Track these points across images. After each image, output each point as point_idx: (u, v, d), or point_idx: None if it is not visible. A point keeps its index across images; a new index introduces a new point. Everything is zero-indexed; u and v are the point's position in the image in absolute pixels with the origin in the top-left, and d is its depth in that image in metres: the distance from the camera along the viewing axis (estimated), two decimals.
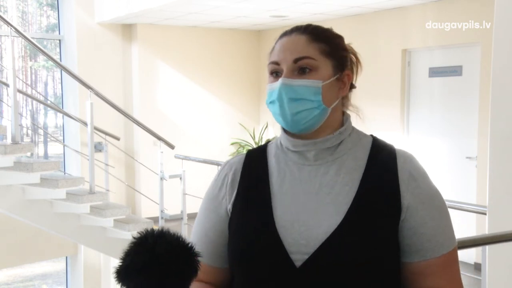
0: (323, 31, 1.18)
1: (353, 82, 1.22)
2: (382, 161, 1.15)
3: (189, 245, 1.00)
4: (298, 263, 1.07)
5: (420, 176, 1.14)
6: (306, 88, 1.12)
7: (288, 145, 1.18)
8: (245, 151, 1.26)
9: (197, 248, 1.21)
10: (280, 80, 1.12)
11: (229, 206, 1.19)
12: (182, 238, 1.00)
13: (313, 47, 1.14)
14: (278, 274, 1.09)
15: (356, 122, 1.23)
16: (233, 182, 1.21)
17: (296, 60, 1.13)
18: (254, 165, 1.22)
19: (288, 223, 1.11)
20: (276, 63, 1.15)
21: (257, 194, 1.17)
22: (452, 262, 1.15)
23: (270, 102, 1.16)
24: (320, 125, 1.15)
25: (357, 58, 1.22)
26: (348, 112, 1.23)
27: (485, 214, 2.91)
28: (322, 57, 1.14)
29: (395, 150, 1.17)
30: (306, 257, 1.07)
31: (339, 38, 1.20)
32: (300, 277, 1.07)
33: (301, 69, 1.13)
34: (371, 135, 1.22)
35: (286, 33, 1.18)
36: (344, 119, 1.20)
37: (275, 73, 1.16)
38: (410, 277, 1.13)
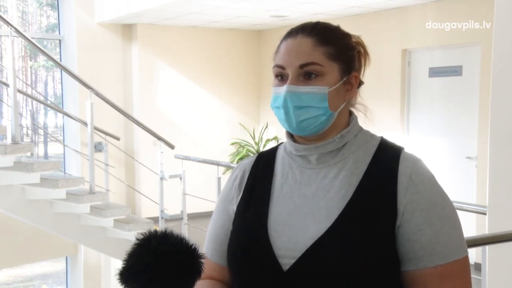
0: (330, 32, 1.14)
1: (361, 76, 1.19)
2: (384, 165, 1.11)
3: (193, 246, 1.00)
4: (285, 267, 1.06)
5: (422, 181, 1.08)
6: (312, 95, 1.09)
7: (291, 149, 1.18)
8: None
9: (209, 246, 1.22)
10: (285, 87, 1.10)
11: (234, 207, 1.20)
12: (185, 240, 1.00)
13: (319, 51, 1.10)
14: (266, 277, 1.08)
15: (363, 121, 1.21)
16: (241, 184, 1.22)
17: (302, 66, 1.10)
18: (262, 167, 1.22)
19: (280, 227, 1.11)
20: (281, 67, 1.12)
21: (257, 196, 1.18)
22: (453, 275, 1.06)
23: (275, 107, 1.13)
24: (327, 128, 1.13)
25: (365, 50, 1.19)
26: (356, 111, 1.20)
27: (485, 214, 2.91)
28: (329, 61, 1.11)
29: (400, 153, 1.12)
30: (293, 261, 1.06)
31: (347, 37, 1.17)
32: (287, 281, 1.06)
33: (307, 74, 1.10)
34: (381, 137, 1.18)
35: (291, 33, 1.14)
36: (350, 119, 1.17)
37: (280, 76, 1.13)
38: (408, 287, 1.08)
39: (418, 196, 1.07)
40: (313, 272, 1.04)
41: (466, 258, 1.09)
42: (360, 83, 1.19)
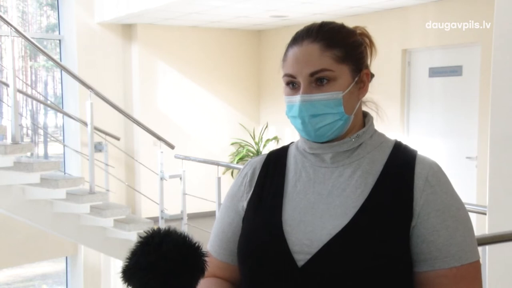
0: (336, 33, 1.13)
1: (369, 66, 1.19)
2: (400, 166, 1.11)
3: (196, 244, 1.00)
4: (300, 263, 1.06)
5: (438, 183, 1.09)
6: (327, 102, 1.10)
7: (305, 147, 1.18)
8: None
9: (214, 244, 1.22)
10: (299, 97, 1.10)
11: (245, 204, 1.20)
12: (188, 238, 0.99)
13: (328, 56, 1.10)
14: (280, 272, 1.08)
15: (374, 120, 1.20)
16: (251, 181, 1.22)
17: (312, 74, 1.09)
18: (273, 165, 1.22)
19: (295, 223, 1.11)
20: (291, 75, 1.12)
21: (270, 193, 1.17)
22: (467, 278, 1.07)
23: (292, 116, 1.13)
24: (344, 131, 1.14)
25: (370, 40, 1.19)
26: (370, 110, 1.20)
27: (485, 214, 2.90)
28: (339, 64, 1.10)
29: (415, 156, 1.13)
30: (309, 257, 1.06)
31: (353, 34, 1.16)
32: (301, 277, 1.06)
33: (318, 80, 1.10)
34: (395, 140, 1.18)
35: (297, 40, 1.13)
36: (365, 120, 1.18)
37: (292, 84, 1.13)
38: None
39: (434, 197, 1.08)
40: (329, 268, 1.04)
41: (479, 262, 1.10)
42: (371, 76, 1.19)
